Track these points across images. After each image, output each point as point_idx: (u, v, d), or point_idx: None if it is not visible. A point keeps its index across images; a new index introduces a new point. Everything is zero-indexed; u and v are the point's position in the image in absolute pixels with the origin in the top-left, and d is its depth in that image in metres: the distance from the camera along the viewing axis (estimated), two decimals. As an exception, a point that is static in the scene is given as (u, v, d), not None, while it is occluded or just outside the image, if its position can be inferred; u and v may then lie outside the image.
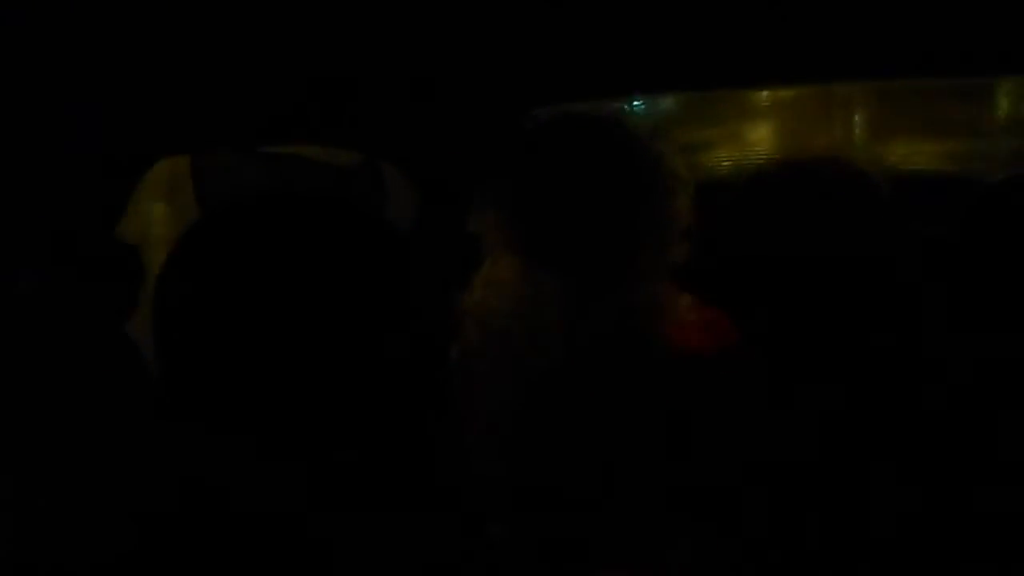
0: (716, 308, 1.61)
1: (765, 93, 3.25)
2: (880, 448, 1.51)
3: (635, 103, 2.62)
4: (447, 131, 2.05)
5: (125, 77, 1.68)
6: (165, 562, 1.14)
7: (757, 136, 3.41)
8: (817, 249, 1.63)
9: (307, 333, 1.17)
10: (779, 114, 3.37)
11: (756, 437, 1.51)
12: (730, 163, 3.23)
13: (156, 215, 1.90)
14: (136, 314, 1.69)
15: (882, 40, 1.86)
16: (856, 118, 3.39)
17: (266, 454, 1.16)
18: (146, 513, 1.18)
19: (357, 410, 1.20)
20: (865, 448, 1.51)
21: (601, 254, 1.60)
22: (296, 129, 1.94)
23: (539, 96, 2.06)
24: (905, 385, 1.55)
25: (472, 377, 1.58)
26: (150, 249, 1.86)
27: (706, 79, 2.10)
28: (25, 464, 1.45)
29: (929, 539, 1.45)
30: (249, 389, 1.16)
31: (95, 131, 1.74)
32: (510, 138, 1.77)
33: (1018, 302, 1.58)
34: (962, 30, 1.80)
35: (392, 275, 1.26)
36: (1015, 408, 1.49)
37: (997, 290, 1.61)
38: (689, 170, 1.73)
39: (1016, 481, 1.46)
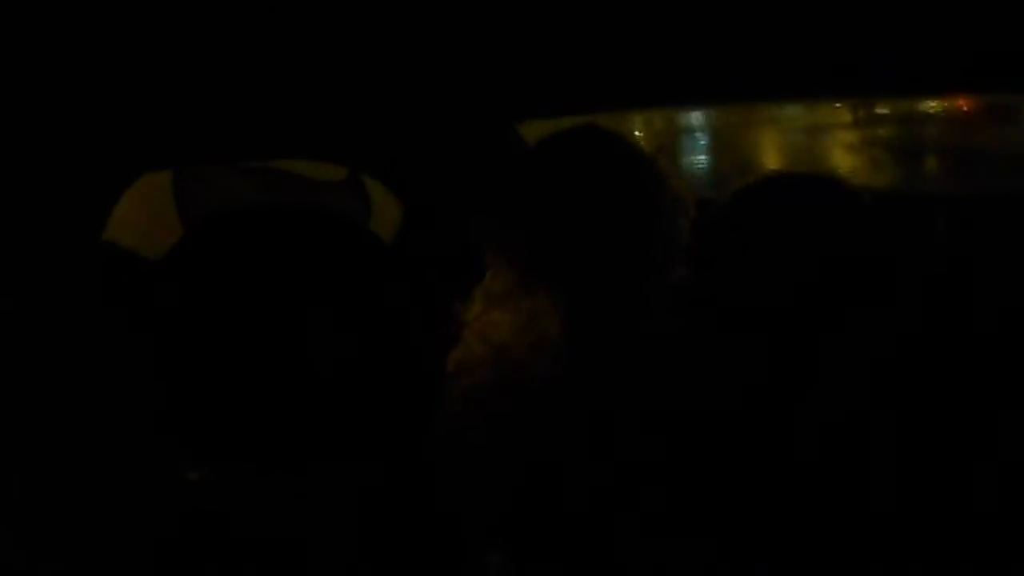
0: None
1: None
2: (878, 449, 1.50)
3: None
4: (432, 145, 2.04)
5: (108, 90, 1.67)
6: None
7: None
8: (803, 260, 1.63)
9: (293, 344, 1.16)
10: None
11: (755, 448, 1.50)
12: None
13: (137, 228, 1.89)
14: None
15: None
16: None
17: (256, 463, 1.15)
18: (147, 522, 1.17)
19: (345, 421, 1.19)
20: (863, 450, 1.50)
21: (601, 270, 1.59)
22: (279, 143, 1.93)
23: (524, 110, 2.06)
24: (895, 388, 1.54)
25: (471, 390, 1.57)
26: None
27: (698, 95, 2.09)
28: (26, 479, 1.43)
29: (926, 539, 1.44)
30: (236, 399, 1.15)
31: (77, 144, 1.72)
32: (512, 151, 1.75)
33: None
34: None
35: (376, 287, 1.26)
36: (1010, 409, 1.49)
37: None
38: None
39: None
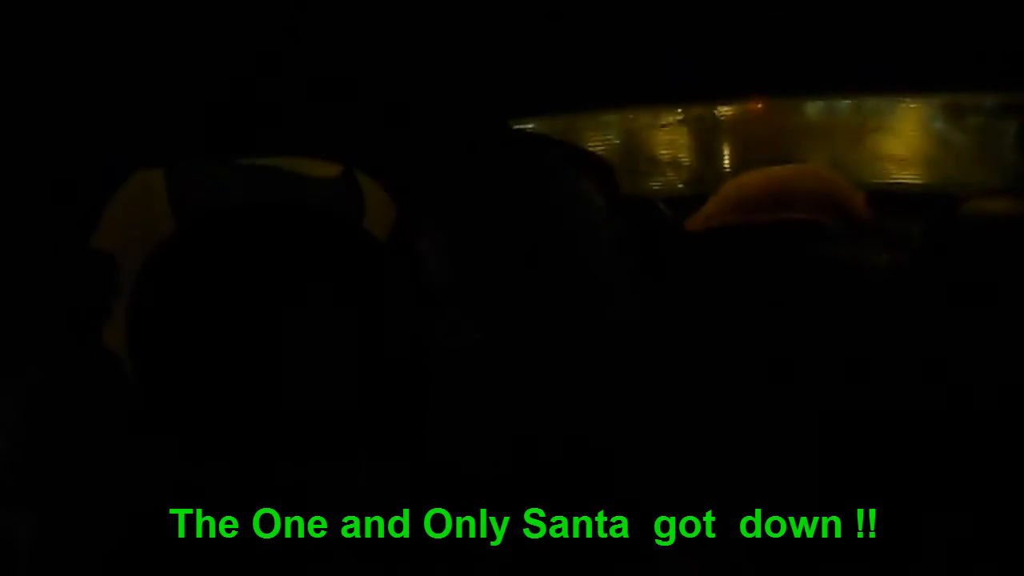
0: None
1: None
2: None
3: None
4: (425, 142, 2.03)
5: (99, 88, 1.66)
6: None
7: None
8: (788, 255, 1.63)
9: (284, 343, 1.16)
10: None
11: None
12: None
13: (130, 227, 1.89)
14: (109, 325, 1.67)
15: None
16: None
17: (245, 465, 1.15)
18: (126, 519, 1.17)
19: (340, 421, 1.19)
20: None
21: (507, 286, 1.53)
22: (272, 140, 1.93)
23: (519, 108, 2.05)
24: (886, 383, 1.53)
25: (465, 381, 1.55)
26: (125, 261, 1.84)
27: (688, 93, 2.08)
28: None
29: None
30: (225, 398, 1.15)
31: (71, 143, 1.72)
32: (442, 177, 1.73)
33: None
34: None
35: (371, 285, 1.25)
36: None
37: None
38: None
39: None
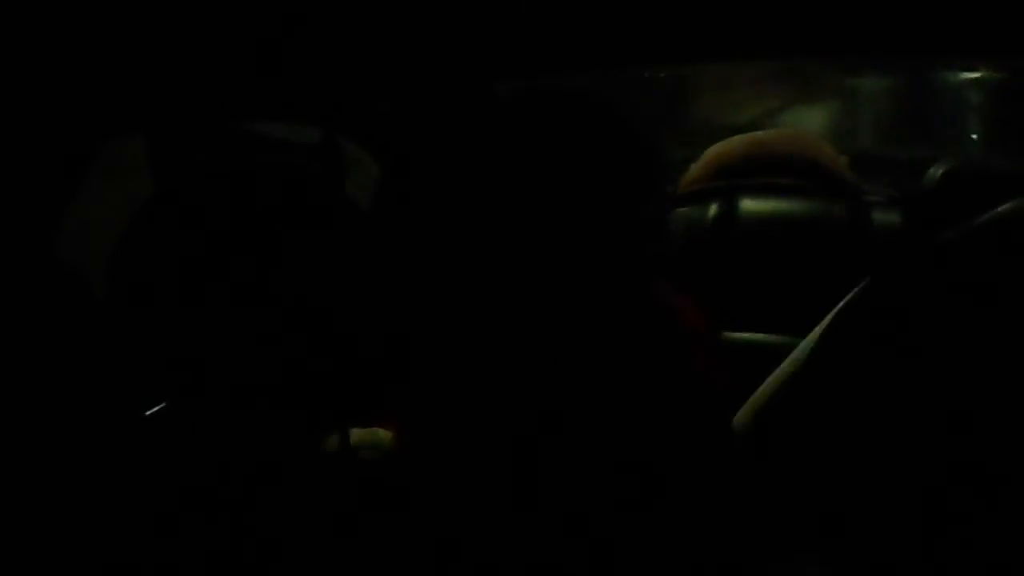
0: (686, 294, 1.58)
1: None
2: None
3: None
4: (409, 105, 2.01)
5: (74, 55, 1.62)
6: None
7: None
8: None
9: (261, 310, 1.15)
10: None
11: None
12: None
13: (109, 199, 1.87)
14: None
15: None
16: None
17: (227, 432, 1.15)
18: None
19: (312, 389, 1.18)
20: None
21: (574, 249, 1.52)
22: (254, 106, 1.90)
23: (505, 70, 2.02)
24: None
25: (440, 360, 1.54)
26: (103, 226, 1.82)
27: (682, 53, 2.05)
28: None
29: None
30: (204, 366, 1.14)
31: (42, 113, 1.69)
32: (473, 118, 1.70)
33: None
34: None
35: (349, 252, 1.24)
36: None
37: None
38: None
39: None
